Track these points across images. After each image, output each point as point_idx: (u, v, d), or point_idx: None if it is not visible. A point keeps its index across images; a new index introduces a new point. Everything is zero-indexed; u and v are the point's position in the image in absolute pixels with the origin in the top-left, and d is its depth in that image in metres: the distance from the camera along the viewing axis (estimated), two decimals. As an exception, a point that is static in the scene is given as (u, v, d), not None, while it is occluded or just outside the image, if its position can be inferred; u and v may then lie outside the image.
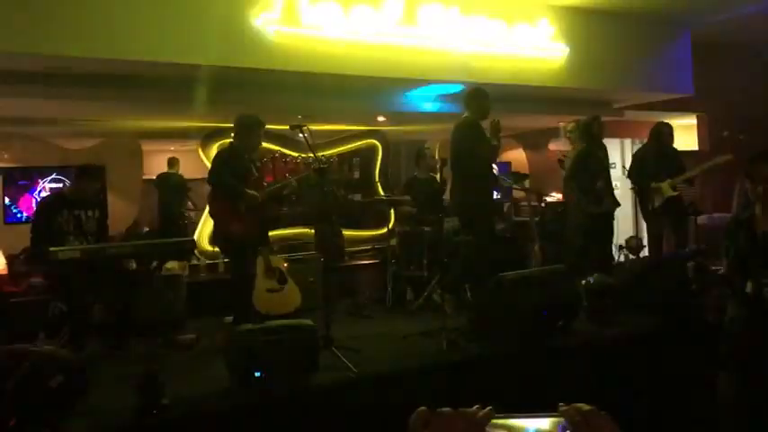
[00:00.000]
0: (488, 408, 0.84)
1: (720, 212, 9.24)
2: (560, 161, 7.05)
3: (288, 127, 5.14)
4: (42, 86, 6.07)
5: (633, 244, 8.71)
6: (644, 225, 7.80)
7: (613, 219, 6.82)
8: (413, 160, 7.92)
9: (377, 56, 6.57)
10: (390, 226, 7.66)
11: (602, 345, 4.91)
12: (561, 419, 0.81)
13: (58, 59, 5.48)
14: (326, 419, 3.76)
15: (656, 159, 6.91)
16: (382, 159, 9.32)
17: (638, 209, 7.66)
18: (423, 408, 0.85)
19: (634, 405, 4.04)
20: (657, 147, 6.96)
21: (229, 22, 5.96)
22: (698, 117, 10.61)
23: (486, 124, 5.71)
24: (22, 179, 9.46)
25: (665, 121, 7.26)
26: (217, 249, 6.95)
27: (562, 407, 0.82)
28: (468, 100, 5.74)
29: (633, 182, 7.15)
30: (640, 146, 7.80)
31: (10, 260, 6.91)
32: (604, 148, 6.83)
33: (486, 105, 5.66)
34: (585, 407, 0.81)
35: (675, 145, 7.20)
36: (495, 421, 0.82)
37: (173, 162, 10.14)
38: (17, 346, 3.61)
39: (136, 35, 5.50)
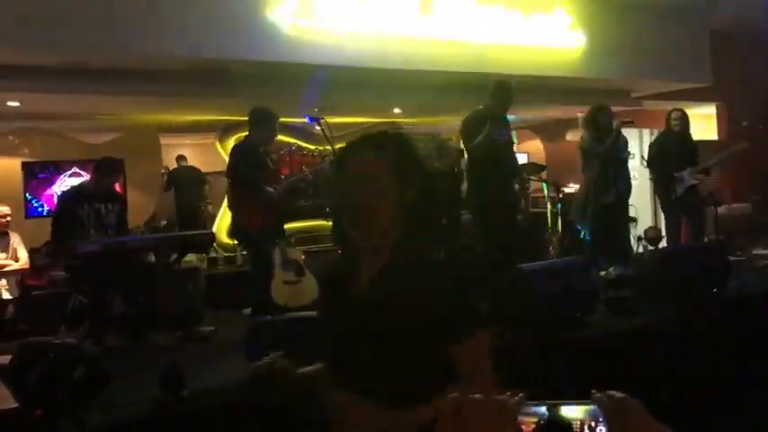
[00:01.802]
0: (520, 394, 0.83)
1: (740, 203, 9.15)
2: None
3: (304, 119, 5.16)
4: (61, 81, 6.13)
5: (652, 235, 8.64)
6: (662, 216, 7.74)
7: (626, 209, 6.74)
8: (432, 153, 7.86)
9: (393, 47, 6.56)
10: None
11: (620, 336, 4.88)
12: (594, 406, 0.80)
13: (77, 54, 5.54)
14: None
15: (674, 147, 6.85)
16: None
17: (656, 199, 7.58)
18: (454, 394, 0.85)
19: (653, 397, 4.02)
20: (669, 134, 6.91)
21: (245, 16, 5.97)
22: (717, 106, 10.50)
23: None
24: (42, 173, 9.55)
25: (683, 109, 7.18)
26: (235, 242, 6.99)
27: (595, 394, 0.82)
28: (488, 89, 5.68)
29: (654, 171, 7.07)
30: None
31: (31, 254, 6.99)
32: (616, 138, 6.63)
33: (496, 99, 5.55)
34: (618, 394, 0.81)
35: (694, 134, 7.12)
36: (526, 408, 0.82)
37: (182, 157, 10.21)
38: (39, 338, 3.65)
39: (152, 30, 5.53)
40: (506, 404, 0.82)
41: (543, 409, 0.82)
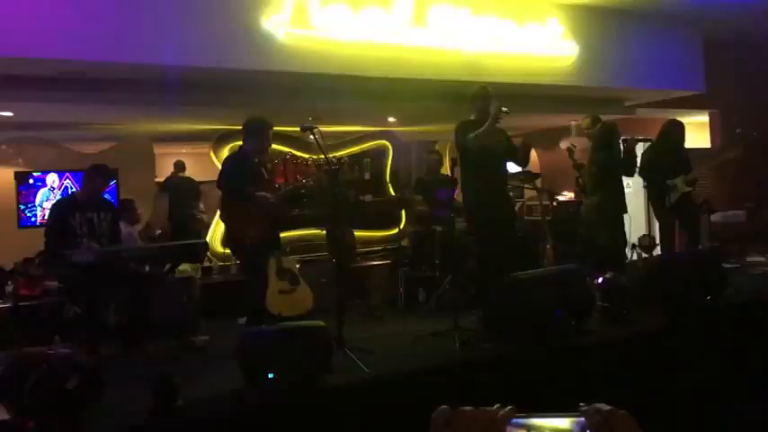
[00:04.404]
0: (509, 407, 0.84)
1: (734, 210, 9.18)
2: (569, 150, 6.99)
3: (298, 128, 5.16)
4: (56, 91, 6.12)
5: (646, 242, 8.66)
6: (656, 223, 7.76)
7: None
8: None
9: (387, 56, 6.58)
10: (401, 227, 7.66)
11: (615, 344, 4.89)
12: (581, 419, 0.81)
13: (70, 63, 5.53)
14: (340, 420, 3.76)
15: (668, 156, 6.89)
16: (393, 160, 9.32)
17: (649, 207, 7.62)
18: (444, 406, 0.86)
19: (648, 404, 4.02)
20: (670, 144, 6.94)
21: (239, 25, 5.98)
22: (710, 114, 10.56)
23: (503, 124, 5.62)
24: (35, 183, 9.53)
25: (677, 118, 7.24)
26: (229, 251, 6.97)
27: (582, 407, 0.82)
28: (471, 100, 5.69)
29: (647, 179, 7.11)
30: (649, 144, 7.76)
31: (25, 264, 6.96)
32: (630, 152, 6.81)
33: (485, 106, 5.49)
34: (606, 407, 0.82)
35: (688, 142, 7.17)
36: (516, 420, 0.83)
37: (180, 165, 10.17)
38: (33, 348, 3.63)
39: (147, 40, 5.54)
40: (496, 416, 0.83)
41: (532, 421, 0.82)
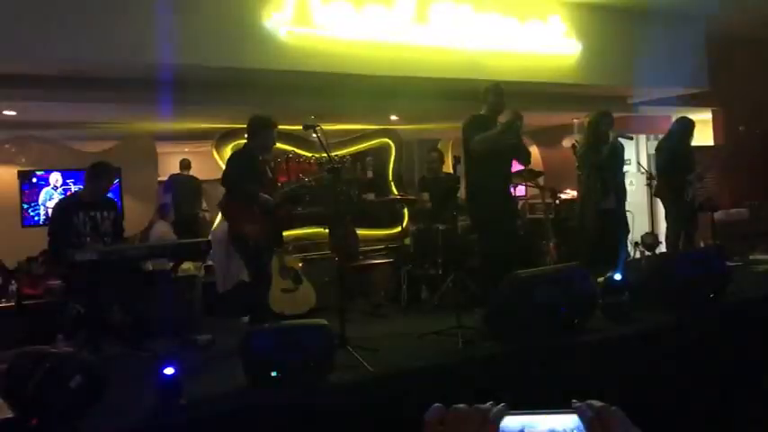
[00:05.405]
0: (502, 404, 0.85)
1: (738, 208, 9.17)
2: (574, 146, 6.97)
3: (301, 127, 5.16)
4: (58, 90, 6.13)
5: (649, 240, 8.65)
6: (660, 221, 7.76)
7: (624, 215, 6.75)
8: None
9: (389, 54, 6.58)
10: (404, 225, 7.66)
11: (618, 342, 4.88)
12: (574, 415, 0.82)
13: (73, 62, 5.54)
14: (342, 419, 3.76)
15: (683, 154, 6.96)
16: (395, 158, 9.31)
17: (653, 205, 7.62)
18: (437, 404, 0.86)
19: (651, 402, 4.02)
20: (684, 142, 6.99)
21: (241, 24, 5.99)
22: (713, 112, 10.54)
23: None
24: (38, 182, 9.54)
25: (687, 116, 7.27)
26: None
27: (575, 403, 0.83)
28: (483, 96, 5.69)
29: (667, 178, 7.09)
30: (660, 140, 7.72)
31: (28, 263, 6.98)
32: (613, 148, 6.71)
33: (498, 102, 5.57)
34: (598, 403, 0.82)
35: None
36: (508, 417, 0.83)
37: (186, 164, 10.17)
38: (36, 347, 3.64)
39: (148, 39, 5.54)
40: (489, 413, 0.83)
41: (525, 418, 0.82)
